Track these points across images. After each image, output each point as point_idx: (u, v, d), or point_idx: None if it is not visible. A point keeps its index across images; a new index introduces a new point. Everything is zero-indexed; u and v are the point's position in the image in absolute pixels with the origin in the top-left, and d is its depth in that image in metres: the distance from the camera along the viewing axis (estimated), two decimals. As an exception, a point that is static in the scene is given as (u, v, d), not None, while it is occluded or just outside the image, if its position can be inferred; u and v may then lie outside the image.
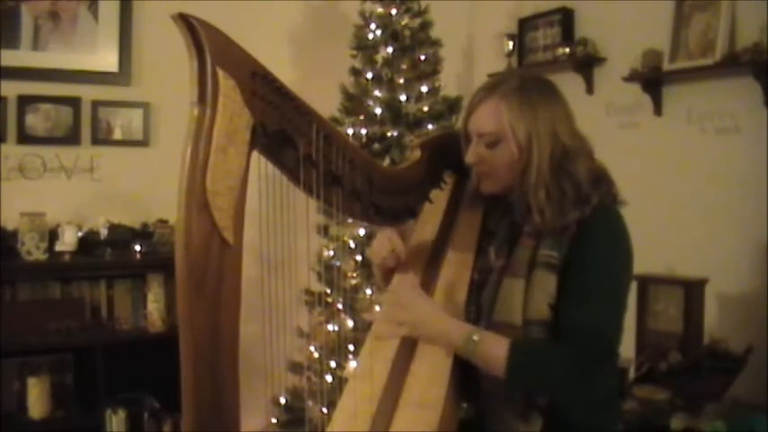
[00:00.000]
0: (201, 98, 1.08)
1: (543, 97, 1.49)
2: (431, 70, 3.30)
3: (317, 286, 3.26)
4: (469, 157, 1.53)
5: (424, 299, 1.47)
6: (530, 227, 1.49)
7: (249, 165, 1.14)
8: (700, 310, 2.75)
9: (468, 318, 1.50)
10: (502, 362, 1.37)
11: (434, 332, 1.43)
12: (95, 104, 3.47)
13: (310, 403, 2.93)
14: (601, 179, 1.50)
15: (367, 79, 3.26)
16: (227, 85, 1.09)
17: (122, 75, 3.51)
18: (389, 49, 3.25)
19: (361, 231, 3.12)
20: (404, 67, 3.25)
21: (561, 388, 1.40)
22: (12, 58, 3.28)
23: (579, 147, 1.50)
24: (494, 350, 1.38)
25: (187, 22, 1.07)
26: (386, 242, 1.65)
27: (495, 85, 1.52)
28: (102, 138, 3.49)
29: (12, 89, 3.29)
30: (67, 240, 3.23)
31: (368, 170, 1.43)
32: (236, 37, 1.12)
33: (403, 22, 3.27)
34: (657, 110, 3.19)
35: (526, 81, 1.51)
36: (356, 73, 3.31)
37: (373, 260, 1.71)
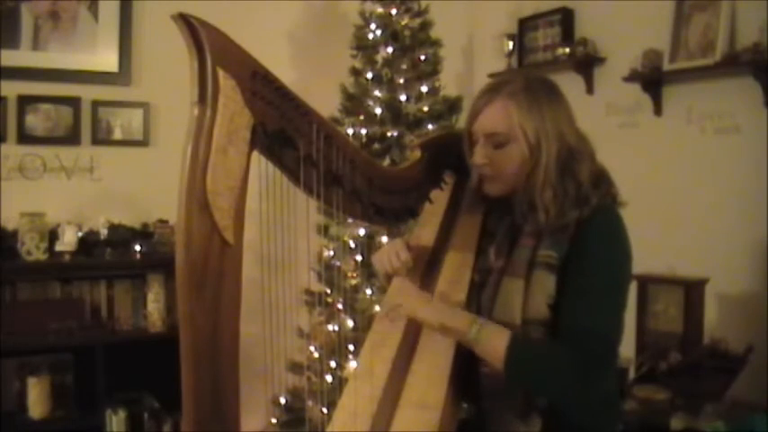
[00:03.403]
0: (202, 98, 1.08)
1: (548, 97, 1.49)
2: (431, 70, 3.30)
3: (317, 286, 3.26)
4: (477, 158, 1.52)
5: (424, 294, 1.51)
6: (530, 227, 1.49)
7: (249, 165, 1.14)
8: (700, 310, 2.75)
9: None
10: (501, 353, 1.37)
11: (438, 318, 1.44)
12: (95, 104, 3.47)
13: (310, 403, 2.93)
14: (601, 180, 1.50)
15: (367, 79, 3.26)
16: (227, 85, 1.09)
17: (122, 75, 3.51)
18: (389, 49, 3.25)
19: (361, 231, 3.12)
20: (404, 67, 3.25)
21: (560, 388, 1.39)
22: (12, 58, 3.28)
23: (583, 147, 1.50)
24: (496, 340, 1.38)
25: (187, 22, 1.07)
26: (393, 253, 1.64)
27: (499, 85, 1.52)
28: (102, 138, 3.49)
29: (12, 89, 3.29)
30: (67, 240, 3.23)
31: (368, 170, 1.43)
32: (236, 37, 1.11)
33: (403, 22, 3.27)
34: (657, 110, 3.20)
35: (531, 81, 1.51)
36: (356, 73, 3.31)
37: (378, 269, 1.69)
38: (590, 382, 1.38)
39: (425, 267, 1.64)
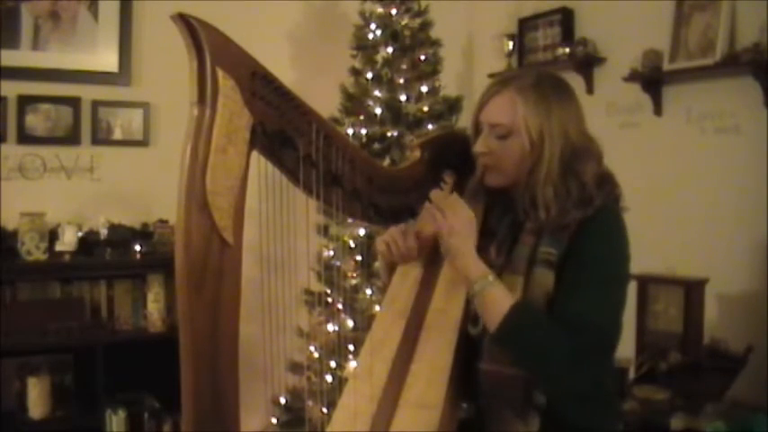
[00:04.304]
0: (201, 98, 1.08)
1: (557, 96, 1.50)
2: (431, 70, 3.30)
3: (317, 286, 3.27)
4: (479, 146, 1.53)
5: (469, 214, 1.50)
6: (531, 224, 1.49)
7: (249, 165, 1.14)
8: (700, 310, 2.75)
9: (468, 314, 1.50)
10: (499, 316, 1.38)
11: (461, 248, 1.45)
12: (95, 104, 3.47)
13: (310, 403, 2.93)
14: (606, 181, 1.50)
15: (367, 79, 3.26)
16: (226, 85, 1.09)
17: (122, 75, 3.51)
18: (389, 49, 3.25)
19: (361, 231, 3.12)
20: (404, 67, 3.25)
21: (548, 366, 1.38)
22: (12, 58, 3.28)
23: (588, 148, 1.50)
24: (499, 301, 1.39)
25: (186, 22, 1.07)
26: (399, 235, 1.63)
27: (510, 78, 1.53)
28: (102, 138, 3.49)
29: (12, 89, 3.29)
30: (67, 240, 3.23)
31: (368, 170, 1.43)
32: (236, 37, 1.12)
33: (403, 22, 3.27)
34: (657, 110, 3.20)
35: (542, 78, 1.52)
36: (356, 73, 3.31)
37: (380, 249, 1.68)
38: (580, 370, 1.38)
39: (426, 265, 1.64)
